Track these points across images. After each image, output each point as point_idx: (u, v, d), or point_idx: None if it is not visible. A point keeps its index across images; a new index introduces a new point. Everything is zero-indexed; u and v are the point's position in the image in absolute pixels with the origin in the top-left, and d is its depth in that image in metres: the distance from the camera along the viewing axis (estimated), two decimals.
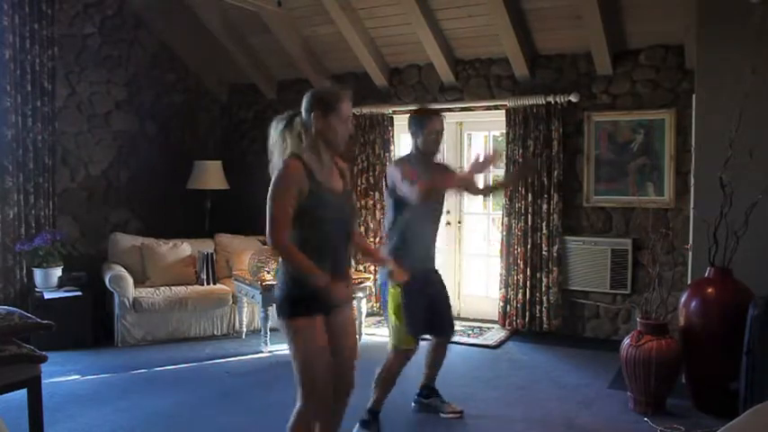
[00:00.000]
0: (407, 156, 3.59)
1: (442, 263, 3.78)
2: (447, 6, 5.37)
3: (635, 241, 5.34)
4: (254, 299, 5.25)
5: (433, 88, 6.12)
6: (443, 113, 3.64)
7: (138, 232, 6.17)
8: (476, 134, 6.35)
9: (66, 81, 5.80)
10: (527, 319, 5.62)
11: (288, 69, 6.68)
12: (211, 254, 5.88)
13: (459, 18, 5.47)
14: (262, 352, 5.12)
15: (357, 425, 3.46)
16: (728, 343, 3.55)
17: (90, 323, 5.22)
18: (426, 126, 3.46)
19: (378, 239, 5.98)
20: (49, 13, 5.34)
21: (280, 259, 2.60)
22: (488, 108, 5.88)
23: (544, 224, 5.54)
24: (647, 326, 3.83)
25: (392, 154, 6.18)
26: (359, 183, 6.29)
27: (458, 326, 5.83)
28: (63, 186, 5.79)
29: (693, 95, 4.49)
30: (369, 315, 5.90)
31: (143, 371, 4.66)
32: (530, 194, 5.59)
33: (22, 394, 3.09)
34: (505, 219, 5.74)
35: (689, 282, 4.29)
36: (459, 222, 6.32)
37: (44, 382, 3.18)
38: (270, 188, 2.45)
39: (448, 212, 6.22)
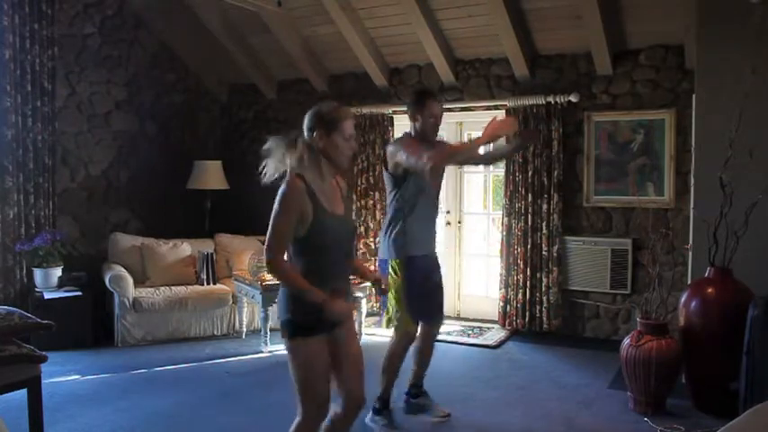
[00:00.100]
0: (407, 134, 3.55)
1: (441, 263, 3.75)
2: (447, 6, 5.37)
3: (635, 241, 5.34)
4: (254, 299, 5.25)
5: (433, 88, 6.10)
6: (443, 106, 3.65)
7: (138, 232, 6.17)
8: (476, 134, 6.27)
9: (66, 81, 5.80)
10: (527, 319, 5.62)
11: (288, 69, 6.69)
12: (211, 254, 5.88)
13: (459, 18, 5.47)
14: (262, 352, 5.12)
15: (370, 413, 3.52)
16: (728, 343, 3.55)
17: (90, 323, 5.22)
18: (426, 108, 3.45)
19: (377, 240, 5.98)
20: (49, 13, 5.34)
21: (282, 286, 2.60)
22: (488, 108, 5.88)
23: (544, 224, 5.54)
24: (647, 326, 3.83)
25: None
26: (359, 183, 6.29)
27: (458, 326, 5.90)
28: (63, 186, 5.79)
29: (693, 95, 4.49)
30: (369, 315, 5.91)
31: (143, 371, 4.66)
32: (530, 194, 5.59)
33: (22, 394, 3.09)
34: (505, 219, 5.74)
35: (689, 282, 4.29)
36: (459, 222, 6.32)
37: (44, 382, 3.18)
38: (274, 207, 2.44)
39: (448, 212, 6.23)
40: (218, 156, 6.88)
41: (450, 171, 6.07)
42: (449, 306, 6.09)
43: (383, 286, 2.84)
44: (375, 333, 5.60)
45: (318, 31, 6.07)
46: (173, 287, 5.54)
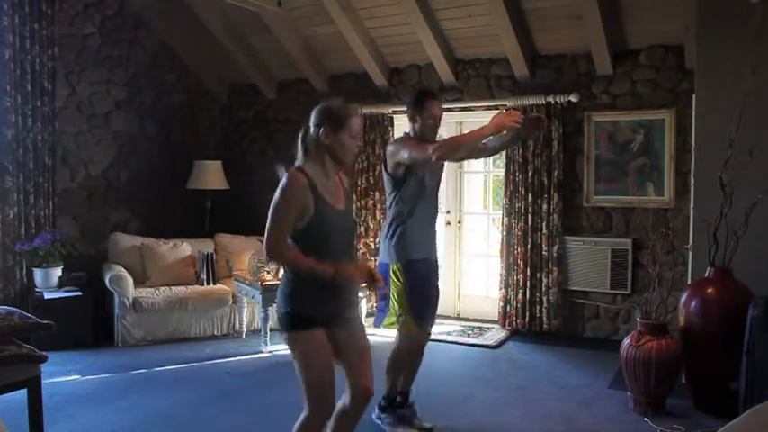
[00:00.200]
0: (406, 134, 3.54)
1: (441, 263, 3.75)
2: (447, 6, 5.37)
3: (635, 241, 5.34)
4: (254, 299, 5.25)
5: (433, 88, 6.10)
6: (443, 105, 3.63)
7: (138, 232, 6.17)
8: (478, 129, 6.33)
9: (66, 81, 5.80)
10: (527, 319, 5.62)
11: (288, 69, 6.69)
12: (211, 254, 5.88)
13: (459, 18, 5.47)
14: (262, 352, 5.12)
15: (376, 410, 3.55)
16: (728, 343, 3.55)
17: (90, 323, 5.22)
18: (425, 108, 3.41)
19: (377, 240, 5.98)
20: (49, 13, 5.34)
21: (281, 275, 2.60)
22: (488, 108, 5.87)
23: (544, 224, 5.54)
24: (647, 326, 3.83)
25: None
26: (359, 183, 6.29)
27: (458, 326, 5.90)
28: (63, 186, 5.79)
29: (693, 95, 4.49)
30: (368, 315, 5.90)
31: (143, 371, 4.66)
32: (530, 194, 5.59)
33: (22, 394, 3.08)
34: (505, 219, 5.74)
35: (689, 282, 4.29)
36: (459, 222, 6.32)
37: (44, 382, 3.18)
38: (274, 199, 2.45)
39: (448, 212, 6.23)
40: (218, 156, 6.88)
41: (450, 171, 6.08)
42: (449, 306, 6.13)
43: (380, 284, 2.83)
44: (375, 333, 5.59)
45: (318, 31, 6.07)
46: (173, 287, 5.54)
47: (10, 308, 3.33)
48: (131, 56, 6.33)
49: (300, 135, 2.57)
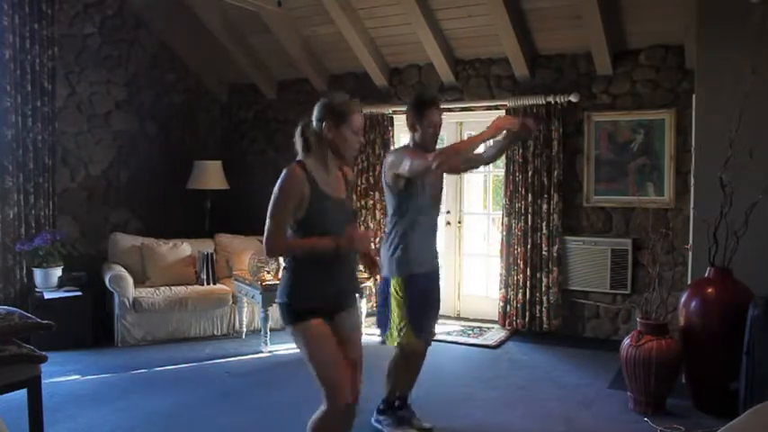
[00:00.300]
0: (406, 146, 3.52)
1: (441, 263, 3.73)
2: (447, 6, 5.37)
3: (635, 241, 5.34)
4: (254, 299, 5.25)
5: (433, 88, 6.11)
6: (443, 109, 3.62)
7: (138, 232, 6.17)
8: (476, 134, 6.33)
9: (66, 81, 5.80)
10: (527, 319, 5.62)
11: (288, 69, 6.69)
12: (211, 254, 5.88)
13: (459, 18, 5.47)
14: (262, 352, 5.12)
15: (375, 413, 3.56)
16: (728, 343, 3.55)
17: (90, 323, 5.22)
18: (425, 117, 3.38)
19: (377, 240, 5.98)
20: (49, 13, 5.34)
21: (281, 272, 2.60)
22: (488, 108, 5.88)
23: (544, 224, 5.54)
24: (647, 326, 3.83)
25: None
26: (359, 183, 6.29)
27: (458, 326, 5.90)
28: (63, 186, 5.79)
29: (693, 95, 4.49)
30: (369, 315, 5.90)
31: (143, 371, 4.66)
32: (530, 194, 5.59)
33: (22, 394, 3.09)
34: (505, 219, 5.74)
35: (689, 282, 4.29)
36: (459, 222, 6.32)
37: (44, 382, 3.18)
38: (273, 192, 2.46)
39: (448, 212, 6.23)
40: (218, 156, 6.88)
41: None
42: (449, 306, 6.12)
43: (377, 268, 2.81)
44: (375, 333, 5.59)
45: (318, 31, 6.07)
46: (173, 287, 5.54)
47: (10, 308, 3.33)
48: (131, 56, 6.33)
49: (299, 129, 2.57)
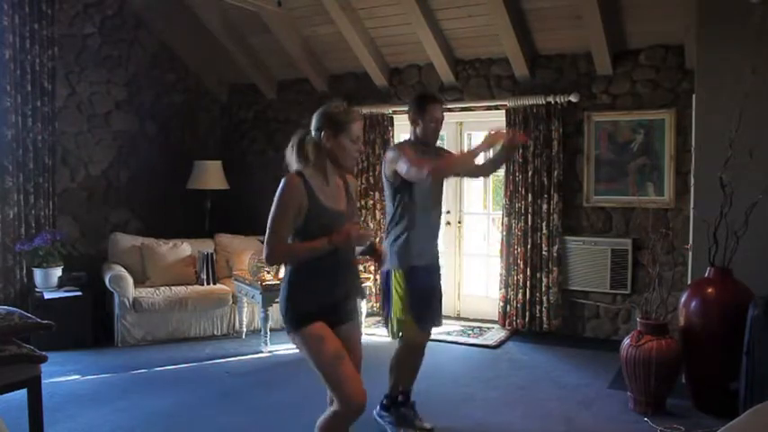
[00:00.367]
0: (407, 141, 3.54)
1: (442, 263, 3.74)
2: (447, 6, 5.37)
3: (635, 241, 5.34)
4: (254, 299, 5.25)
5: (433, 88, 6.10)
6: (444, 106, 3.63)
7: (138, 232, 6.17)
8: (476, 134, 6.34)
9: (66, 81, 5.80)
10: (527, 319, 5.62)
11: (288, 69, 6.69)
12: (211, 254, 5.88)
13: (459, 18, 5.47)
14: (262, 352, 5.12)
15: (377, 407, 3.57)
16: (728, 343, 3.55)
17: (90, 323, 5.22)
18: (427, 112, 3.41)
19: (377, 240, 5.98)
20: (49, 13, 5.34)
21: (281, 275, 2.60)
22: (488, 108, 5.88)
23: (544, 224, 5.54)
24: (647, 326, 3.83)
25: None
26: (359, 183, 6.29)
27: (458, 326, 5.90)
28: (63, 186, 5.79)
29: (693, 95, 4.49)
30: (369, 315, 5.91)
31: (143, 371, 4.66)
32: (530, 194, 5.59)
33: (22, 394, 3.09)
34: (505, 219, 5.74)
35: (689, 282, 4.29)
36: (459, 222, 6.32)
37: (44, 382, 3.18)
38: (273, 203, 2.46)
39: (448, 212, 6.23)
40: (218, 156, 6.88)
41: None
42: (449, 306, 6.12)
43: (378, 252, 2.80)
44: (375, 333, 5.60)
45: (318, 31, 6.07)
46: (173, 287, 5.54)
47: (10, 308, 3.33)
48: (131, 56, 6.33)
49: (297, 139, 2.54)
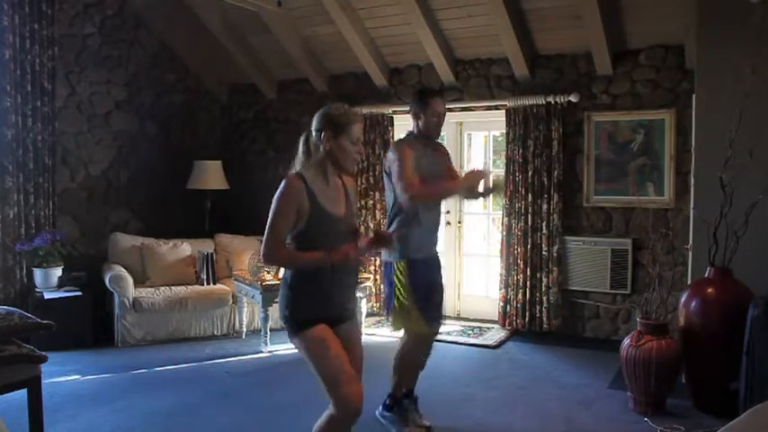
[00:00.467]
0: (408, 137, 3.56)
1: (442, 263, 3.74)
2: (447, 6, 5.37)
3: (635, 241, 5.34)
4: (254, 299, 5.25)
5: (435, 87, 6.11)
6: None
7: (138, 232, 6.17)
8: (476, 134, 6.35)
9: (66, 81, 5.80)
10: (527, 319, 5.62)
11: (288, 69, 6.69)
12: (211, 254, 5.88)
13: (459, 18, 5.47)
14: (262, 352, 5.12)
15: (380, 407, 3.58)
16: (728, 343, 3.55)
17: (90, 323, 5.22)
18: (429, 106, 3.45)
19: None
20: (49, 13, 5.34)
21: (281, 276, 2.60)
22: (488, 108, 5.88)
23: (544, 224, 5.54)
24: (647, 326, 3.83)
25: None
26: (359, 183, 6.29)
27: (458, 326, 5.90)
28: (63, 186, 5.79)
29: (693, 95, 4.49)
30: (369, 315, 5.91)
31: (143, 371, 4.66)
32: (530, 194, 5.59)
33: (22, 394, 3.09)
34: (505, 219, 5.74)
35: (689, 282, 4.29)
36: (459, 222, 6.32)
37: (44, 382, 3.18)
38: (272, 204, 2.47)
39: (448, 212, 6.23)
40: (219, 156, 6.88)
41: None
42: (449, 306, 6.12)
43: (385, 237, 2.79)
44: (375, 333, 5.60)
45: (318, 31, 6.07)
46: (173, 287, 5.54)
47: (10, 308, 3.33)
48: (131, 56, 6.33)
49: (303, 139, 2.57)
